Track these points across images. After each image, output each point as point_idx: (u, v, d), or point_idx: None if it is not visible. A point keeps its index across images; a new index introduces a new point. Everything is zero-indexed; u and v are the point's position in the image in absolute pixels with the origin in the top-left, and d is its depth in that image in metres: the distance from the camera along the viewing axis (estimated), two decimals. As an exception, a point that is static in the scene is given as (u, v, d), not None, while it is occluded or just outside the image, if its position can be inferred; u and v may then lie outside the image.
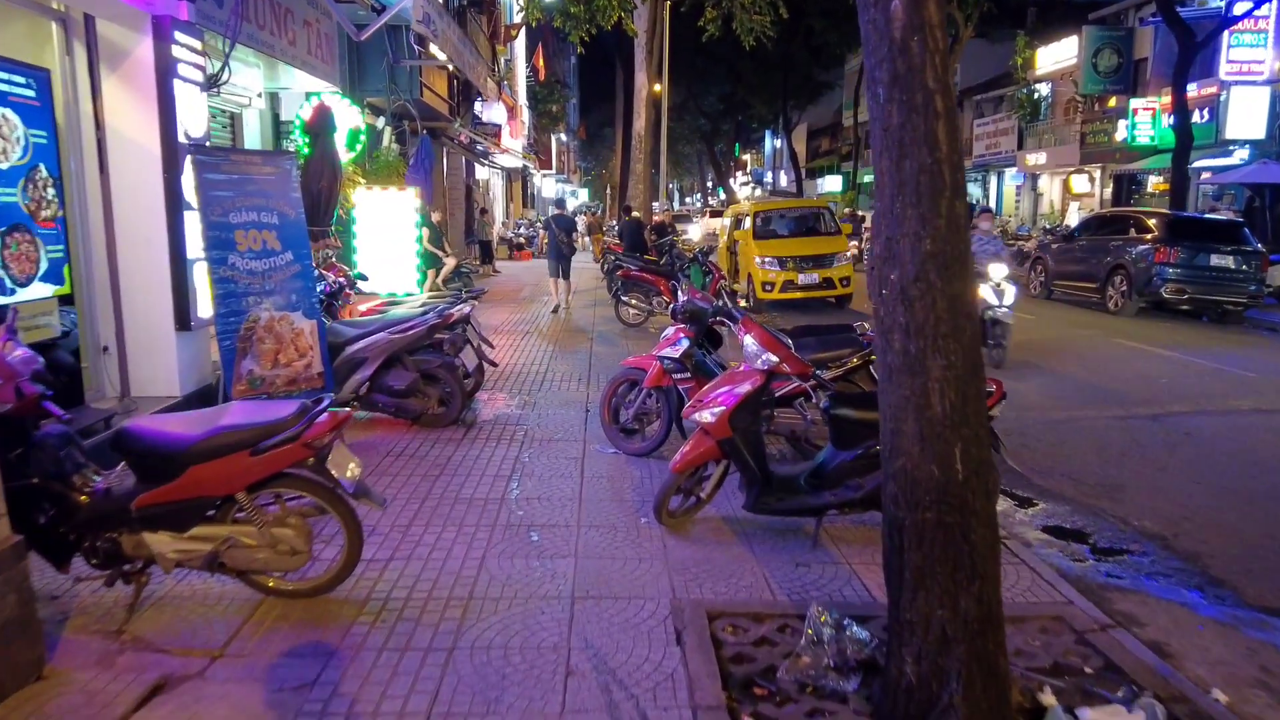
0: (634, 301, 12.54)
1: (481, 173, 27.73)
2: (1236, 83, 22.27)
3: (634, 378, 6.21)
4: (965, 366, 2.92)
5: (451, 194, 23.45)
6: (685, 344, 5.84)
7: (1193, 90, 24.27)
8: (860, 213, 32.64)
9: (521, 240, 30.82)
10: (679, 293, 7.15)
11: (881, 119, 2.93)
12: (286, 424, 3.60)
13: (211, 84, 7.00)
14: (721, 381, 4.67)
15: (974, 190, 39.98)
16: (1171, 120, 19.12)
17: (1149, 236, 14.42)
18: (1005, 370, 9.55)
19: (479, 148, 25.19)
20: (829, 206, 17.21)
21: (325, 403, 3.74)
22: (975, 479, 2.93)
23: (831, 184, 54.65)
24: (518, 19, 27.97)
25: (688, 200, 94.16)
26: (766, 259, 15.09)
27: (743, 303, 15.10)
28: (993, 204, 37.78)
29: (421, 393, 6.65)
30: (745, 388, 4.47)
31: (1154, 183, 27.73)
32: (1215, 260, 13.94)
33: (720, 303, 5.94)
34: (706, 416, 4.47)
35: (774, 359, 4.50)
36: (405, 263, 11.98)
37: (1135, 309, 14.43)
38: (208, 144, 6.72)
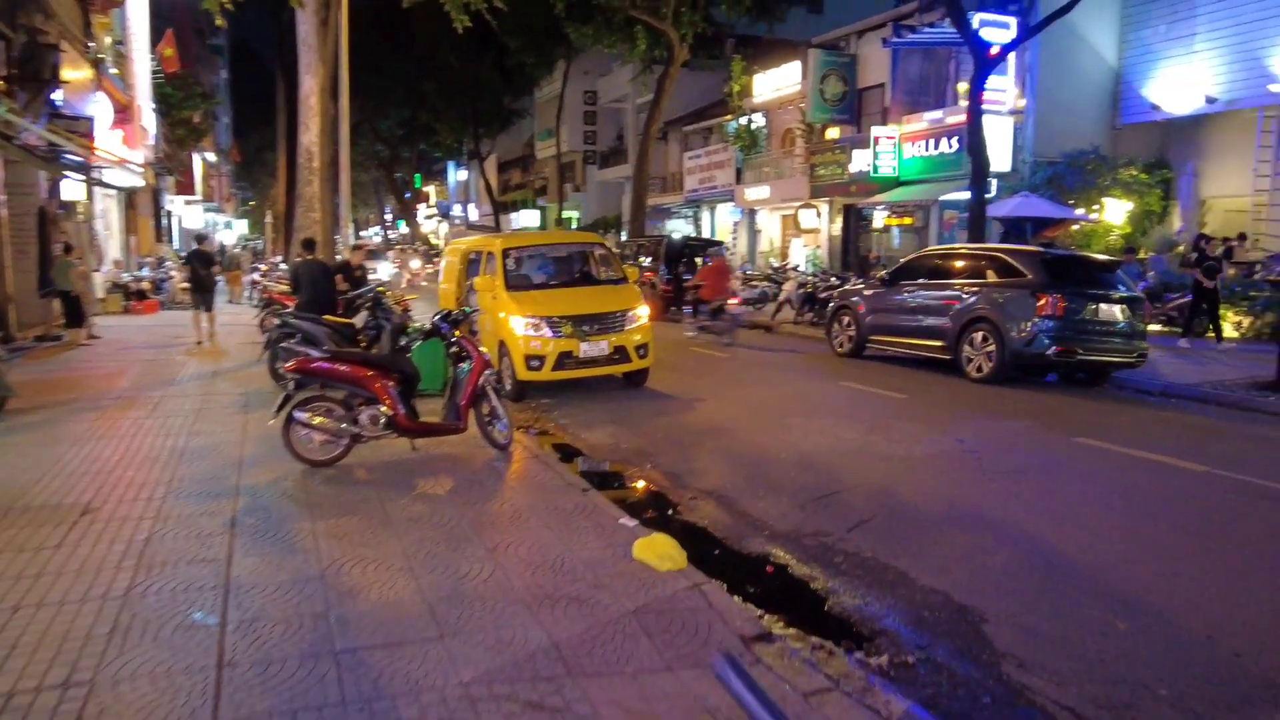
0: (319, 420, 6.54)
1: (77, 192, 19.39)
2: (986, 112, 20.75)
3: None
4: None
5: (17, 222, 15.51)
6: None
7: (939, 116, 22.81)
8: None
9: (145, 286, 22.54)
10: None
11: None
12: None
13: None
14: None
15: (684, 226, 37.51)
16: (965, 142, 16.70)
17: (1021, 280, 11.09)
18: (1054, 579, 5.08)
19: (67, 156, 17.23)
20: (604, 242, 12.22)
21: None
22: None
23: (528, 218, 50.52)
24: (123, -20, 20.19)
25: (364, 234, 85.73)
26: (530, 321, 9.80)
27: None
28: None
29: None
30: None
31: (884, 217, 26.19)
32: (1104, 311, 10.89)
33: None
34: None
35: None
36: None
37: (1005, 375, 11.02)
38: None
